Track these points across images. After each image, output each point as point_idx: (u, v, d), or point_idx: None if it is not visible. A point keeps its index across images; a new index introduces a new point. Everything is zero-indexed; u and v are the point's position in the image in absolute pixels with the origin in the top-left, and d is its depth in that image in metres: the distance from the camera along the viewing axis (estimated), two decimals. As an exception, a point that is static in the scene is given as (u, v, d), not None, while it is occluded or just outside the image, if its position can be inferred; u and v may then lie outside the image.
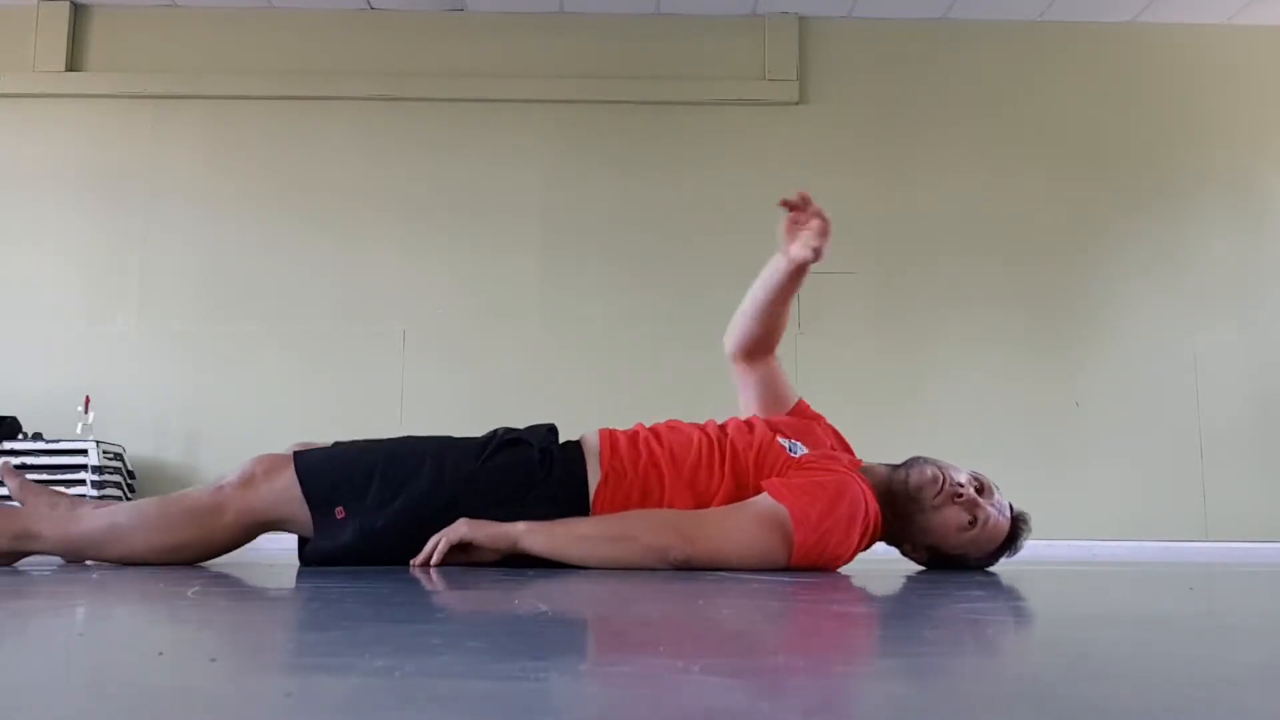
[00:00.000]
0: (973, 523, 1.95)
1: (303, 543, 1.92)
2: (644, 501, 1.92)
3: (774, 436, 2.01)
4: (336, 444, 2.05)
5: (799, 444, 2.02)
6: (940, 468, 1.99)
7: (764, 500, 1.85)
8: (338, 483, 1.84)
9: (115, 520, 1.85)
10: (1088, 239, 4.83)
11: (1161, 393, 4.71)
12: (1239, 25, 4.96)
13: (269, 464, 1.85)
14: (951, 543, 1.97)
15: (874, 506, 1.90)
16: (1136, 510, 4.59)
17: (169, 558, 1.81)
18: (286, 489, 1.83)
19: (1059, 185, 4.87)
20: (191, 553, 1.83)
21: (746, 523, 1.83)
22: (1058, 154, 4.90)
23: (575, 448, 1.98)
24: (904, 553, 2.05)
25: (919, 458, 2.03)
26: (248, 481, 1.83)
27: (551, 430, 2.03)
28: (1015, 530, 2.01)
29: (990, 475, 2.03)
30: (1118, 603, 1.50)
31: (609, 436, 2.00)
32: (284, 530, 1.91)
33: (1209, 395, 4.71)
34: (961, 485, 1.96)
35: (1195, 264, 4.82)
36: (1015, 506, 2.04)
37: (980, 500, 1.96)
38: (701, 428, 2.05)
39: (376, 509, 1.83)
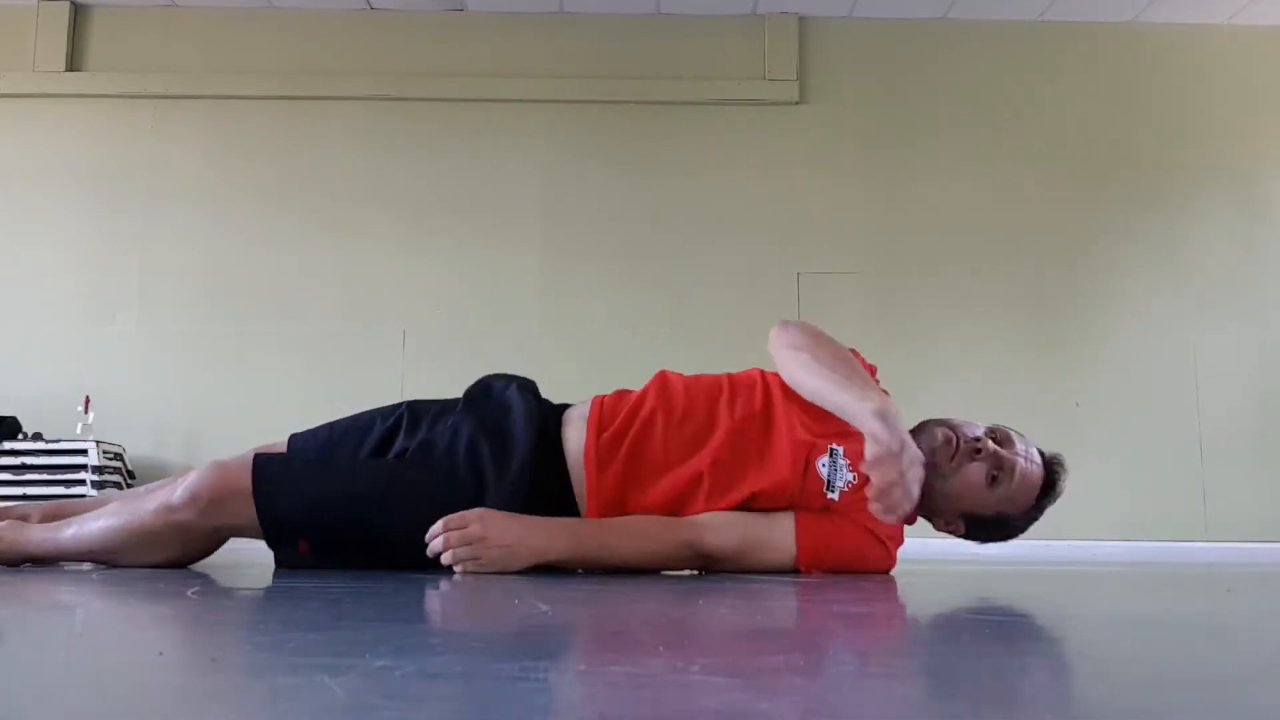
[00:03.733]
0: (997, 477, 1.83)
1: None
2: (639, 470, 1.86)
3: (815, 461, 1.85)
4: (293, 438, 2.03)
5: (843, 468, 1.85)
6: (952, 426, 1.87)
7: (786, 530, 1.84)
8: (300, 524, 1.76)
9: (102, 527, 1.81)
10: (1088, 238, 4.82)
11: (1161, 393, 4.71)
12: (1239, 25, 4.95)
13: (218, 488, 1.72)
14: (984, 503, 1.85)
15: (891, 555, 1.89)
16: (1136, 510, 4.59)
17: (145, 563, 1.81)
18: (249, 516, 1.73)
19: (1059, 185, 4.86)
20: (168, 559, 1.80)
21: (764, 539, 1.83)
22: (1058, 153, 4.89)
23: (557, 434, 1.90)
24: (937, 527, 1.93)
25: (927, 421, 1.90)
26: (196, 505, 1.71)
27: (531, 419, 1.89)
28: (1051, 474, 1.88)
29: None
30: (1118, 603, 1.49)
31: (595, 428, 1.88)
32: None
33: (1209, 395, 4.71)
34: (978, 439, 1.84)
35: (1195, 264, 4.82)
36: (1046, 450, 1.93)
37: (1002, 451, 1.84)
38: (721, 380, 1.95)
39: (340, 544, 1.79)
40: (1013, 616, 1.20)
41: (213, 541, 1.83)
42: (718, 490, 1.84)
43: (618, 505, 1.85)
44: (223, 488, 1.72)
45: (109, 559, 1.81)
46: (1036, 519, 1.93)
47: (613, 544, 1.79)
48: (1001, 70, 4.95)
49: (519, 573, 1.72)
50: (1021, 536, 1.98)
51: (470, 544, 1.67)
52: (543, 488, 1.83)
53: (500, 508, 1.75)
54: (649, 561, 1.82)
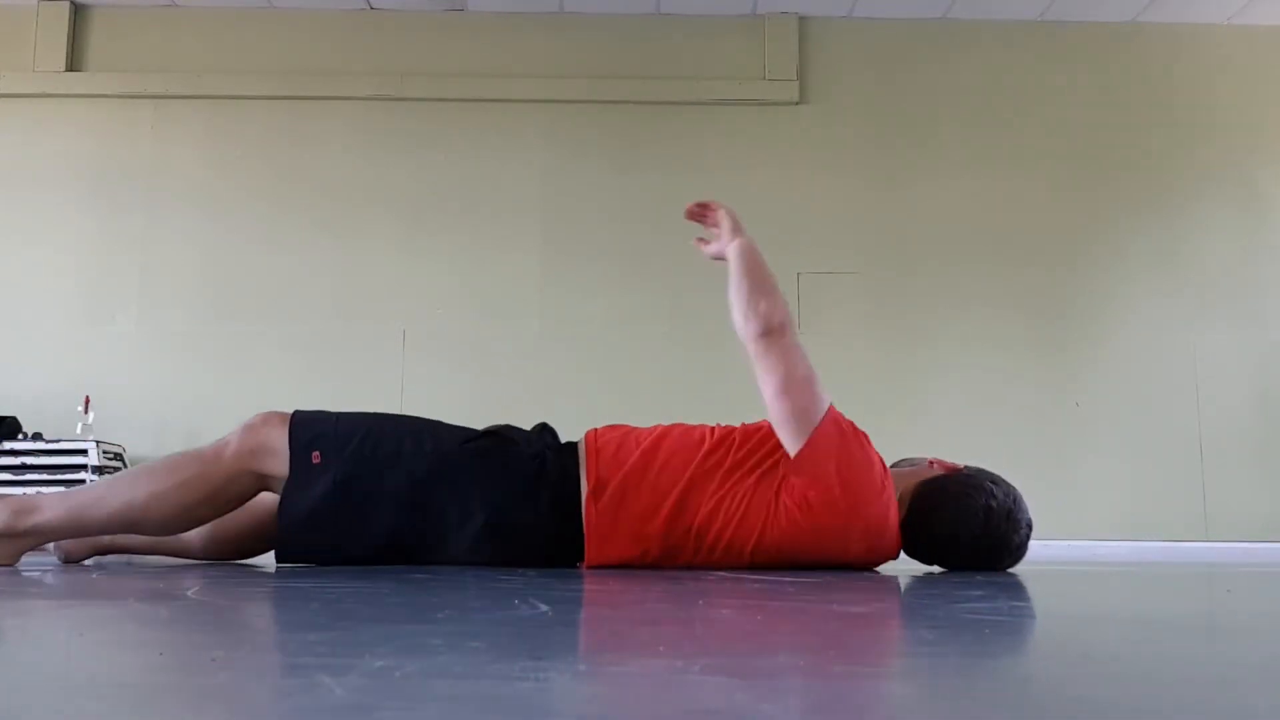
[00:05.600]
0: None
1: (279, 546, 1.92)
2: (646, 499, 1.91)
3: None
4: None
5: None
6: None
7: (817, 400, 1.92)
8: (323, 432, 1.91)
9: (117, 476, 1.93)
10: (1088, 238, 4.82)
11: (1161, 393, 4.71)
12: (1239, 25, 4.95)
13: (269, 415, 1.96)
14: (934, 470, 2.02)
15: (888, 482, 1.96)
16: (1137, 510, 4.58)
17: (169, 505, 1.84)
18: (280, 437, 1.91)
19: (1059, 185, 4.86)
20: (191, 496, 1.84)
21: (800, 378, 1.90)
22: (1057, 154, 4.89)
23: (571, 451, 1.98)
24: (935, 467, 2.03)
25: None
26: (249, 427, 1.93)
27: (546, 429, 2.03)
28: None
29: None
30: (1118, 603, 1.50)
31: (594, 441, 1.98)
32: (268, 487, 1.93)
33: (1209, 395, 4.71)
34: None
35: (1195, 264, 4.82)
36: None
37: None
38: (710, 426, 2.06)
39: (352, 462, 1.88)
40: (1013, 616, 1.19)
41: (231, 484, 1.90)
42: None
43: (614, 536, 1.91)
44: (269, 414, 1.96)
45: (126, 496, 1.84)
46: (1003, 482, 1.98)
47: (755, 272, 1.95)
48: (1001, 70, 4.95)
49: (519, 569, 1.72)
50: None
51: None
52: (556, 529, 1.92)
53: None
54: (741, 290, 1.93)
